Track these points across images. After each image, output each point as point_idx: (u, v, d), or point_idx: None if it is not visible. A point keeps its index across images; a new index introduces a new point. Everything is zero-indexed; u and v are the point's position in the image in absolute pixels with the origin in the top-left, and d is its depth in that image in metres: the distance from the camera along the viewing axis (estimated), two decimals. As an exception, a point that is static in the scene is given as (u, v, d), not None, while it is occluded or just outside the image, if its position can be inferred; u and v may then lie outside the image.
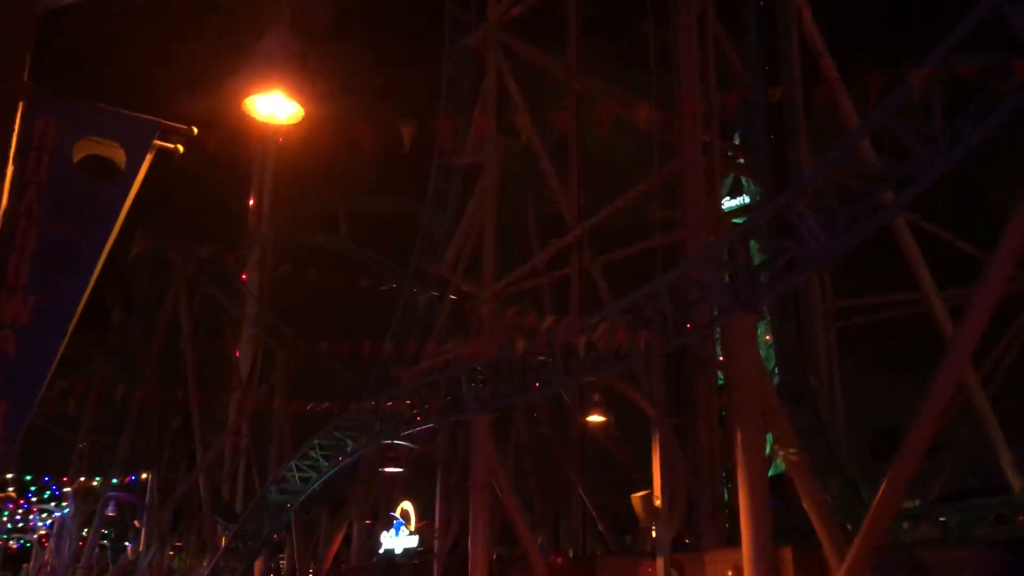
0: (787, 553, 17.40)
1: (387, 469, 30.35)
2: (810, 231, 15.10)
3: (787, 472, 16.56)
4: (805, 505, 16.51)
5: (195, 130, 5.67)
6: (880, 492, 14.86)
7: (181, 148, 5.75)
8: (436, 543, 23.24)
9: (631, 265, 36.85)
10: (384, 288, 52.63)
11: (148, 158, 5.56)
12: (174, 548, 51.79)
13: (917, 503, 25.82)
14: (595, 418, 17.41)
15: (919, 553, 17.79)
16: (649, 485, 31.05)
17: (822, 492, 16.75)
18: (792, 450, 16.11)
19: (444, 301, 38.42)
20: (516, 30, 35.19)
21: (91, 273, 5.38)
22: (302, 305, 53.91)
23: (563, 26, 32.80)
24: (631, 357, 17.61)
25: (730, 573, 17.73)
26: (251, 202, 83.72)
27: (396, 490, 33.39)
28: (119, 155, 5.43)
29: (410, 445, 26.49)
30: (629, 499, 36.76)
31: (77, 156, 5.34)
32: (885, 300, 33.52)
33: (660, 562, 16.77)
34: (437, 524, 23.45)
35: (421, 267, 38.56)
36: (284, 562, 45.41)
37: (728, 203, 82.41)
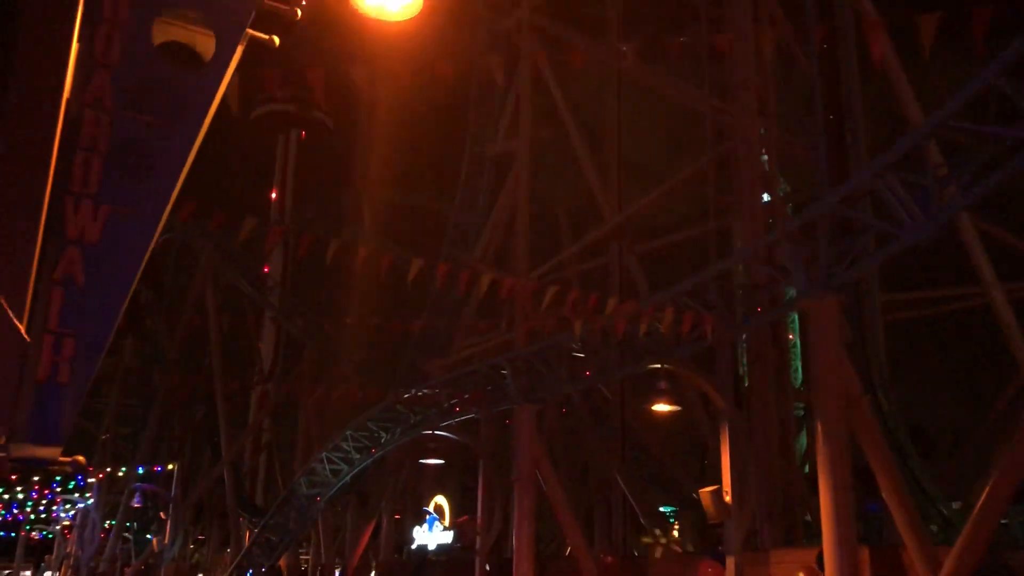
0: (864, 553, 16.10)
1: (427, 461, 29.20)
2: (901, 204, 13.80)
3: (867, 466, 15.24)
4: (889, 503, 15.21)
5: (299, 11, 4.46)
6: (984, 496, 13.59)
7: (277, 40, 4.57)
8: (478, 539, 22.04)
9: (665, 257, 35.66)
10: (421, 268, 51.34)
11: (239, 48, 4.38)
12: (196, 541, 50.88)
13: (957, 505, 24.47)
14: (662, 407, 16.16)
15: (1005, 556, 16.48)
16: (697, 480, 29.89)
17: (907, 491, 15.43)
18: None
19: (474, 293, 37.27)
20: (550, 14, 33.97)
21: (174, 180, 4.19)
22: (325, 297, 52.63)
23: (603, 6, 31.53)
24: (698, 344, 16.36)
25: (801, 574, 16.45)
26: (273, 195, 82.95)
27: (426, 484, 32.24)
28: (206, 44, 4.25)
29: (452, 436, 25.26)
30: (664, 496, 35.51)
31: (157, 38, 4.15)
32: (927, 295, 32.07)
33: (731, 562, 15.50)
34: (479, 519, 22.25)
35: (452, 258, 37.41)
36: (309, 558, 44.34)
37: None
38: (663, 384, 15.62)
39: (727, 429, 15.70)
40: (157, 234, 4.23)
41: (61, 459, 4.90)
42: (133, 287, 4.32)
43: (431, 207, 54.59)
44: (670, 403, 15.85)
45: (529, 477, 21.07)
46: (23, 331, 4.10)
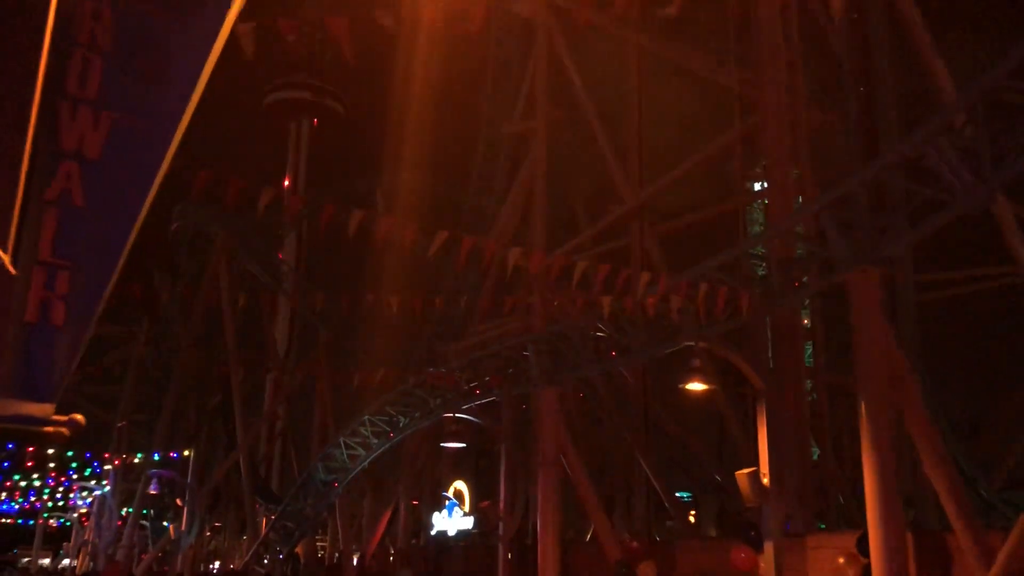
0: (908, 538, 15.33)
1: (448, 444, 28.58)
2: (952, 170, 12.98)
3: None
4: (937, 486, 14.43)
5: None
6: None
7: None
8: (500, 525, 21.42)
9: (685, 238, 34.81)
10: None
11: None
12: (212, 528, 50.51)
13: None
14: (696, 386, 15.42)
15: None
16: (717, 464, 29.20)
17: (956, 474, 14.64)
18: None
19: (493, 273, 36.62)
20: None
21: (191, 87, 3.42)
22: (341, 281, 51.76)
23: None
24: (733, 321, 15.59)
25: (842, 560, 15.69)
26: (286, 182, 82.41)
27: (445, 469, 31.63)
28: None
29: (474, 419, 24.59)
30: (683, 480, 34.74)
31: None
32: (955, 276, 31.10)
33: (770, 548, 14.77)
34: (502, 504, 21.63)
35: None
36: (327, 544, 43.91)
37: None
38: (697, 362, 14.87)
39: (764, 409, 14.96)
40: (171, 152, 3.50)
41: (55, 418, 4.17)
42: (143, 214, 3.60)
43: (445, 192, 54.04)
44: (704, 382, 15.08)
45: (553, 461, 20.39)
46: (7, 262, 3.38)
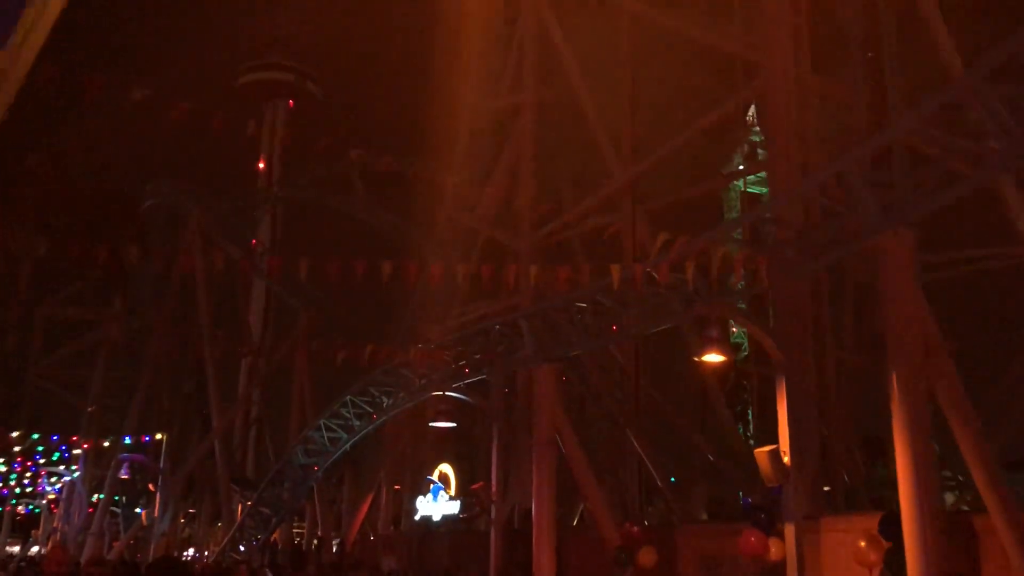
0: (934, 520, 14.20)
1: (437, 424, 27.21)
2: (997, 122, 11.76)
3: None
4: (971, 465, 13.30)
5: None
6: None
7: None
8: (492, 508, 20.14)
9: (674, 217, 33.58)
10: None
11: None
12: (187, 515, 48.81)
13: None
14: (713, 357, 14.16)
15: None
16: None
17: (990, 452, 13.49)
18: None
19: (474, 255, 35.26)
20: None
21: None
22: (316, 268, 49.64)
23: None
24: (752, 289, 14.35)
25: (863, 544, 14.55)
26: (261, 164, 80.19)
27: (429, 451, 30.24)
28: None
29: (463, 397, 23.23)
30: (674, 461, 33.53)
31: None
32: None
33: (791, 530, 13.57)
34: (493, 487, 20.33)
35: (454, 220, 35.32)
36: (304, 531, 42.38)
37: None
38: (714, 332, 13.59)
39: (784, 383, 13.74)
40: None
41: None
42: None
43: (424, 175, 52.38)
44: (721, 352, 13.81)
45: (549, 441, 19.08)
46: None
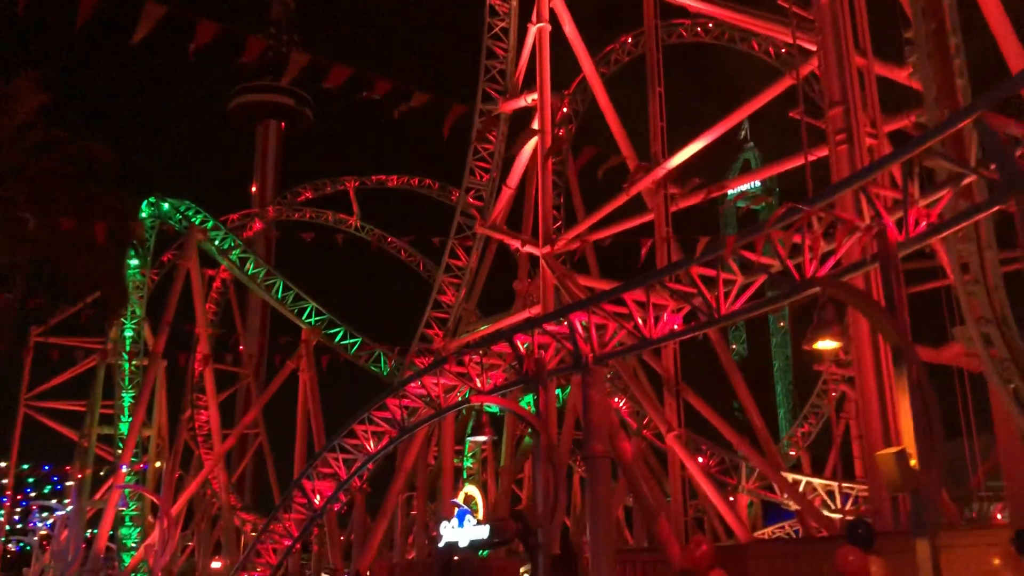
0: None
1: (475, 439, 24.82)
2: None
3: None
4: None
5: None
6: None
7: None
8: (540, 531, 17.69)
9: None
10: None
11: None
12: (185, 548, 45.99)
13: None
14: (827, 344, 11.94)
15: None
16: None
17: None
18: None
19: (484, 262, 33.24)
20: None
21: None
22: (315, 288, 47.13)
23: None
24: (857, 268, 12.18)
25: (997, 561, 12.32)
26: (254, 189, 77.94)
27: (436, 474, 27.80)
28: None
29: (497, 408, 20.81)
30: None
31: None
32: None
33: (925, 547, 11.28)
34: (540, 506, 17.91)
35: (466, 227, 33.24)
36: (310, 563, 39.66)
37: (738, 188, 77.77)
38: (829, 314, 11.39)
39: (905, 373, 11.56)
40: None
41: None
42: None
43: (420, 193, 50.47)
44: (838, 338, 11.58)
45: (604, 453, 16.75)
46: None
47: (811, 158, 18.68)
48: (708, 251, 13.38)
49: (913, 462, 11.32)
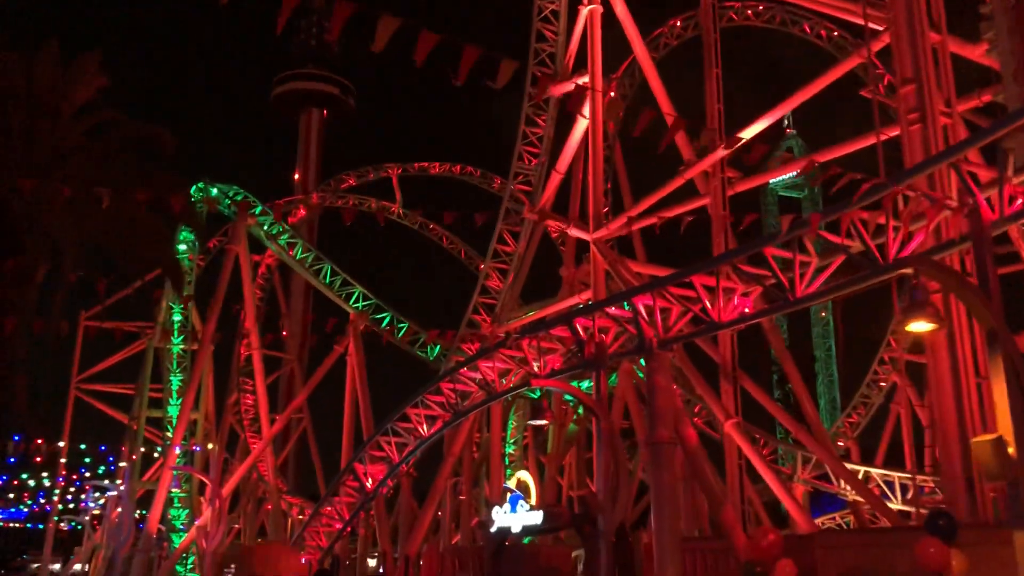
0: None
1: (535, 422, 24.63)
2: None
3: None
4: None
5: None
6: None
7: None
8: (601, 519, 17.41)
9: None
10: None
11: None
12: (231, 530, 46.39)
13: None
14: (921, 326, 11.43)
15: None
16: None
17: None
18: None
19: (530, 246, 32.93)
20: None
21: None
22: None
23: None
24: (949, 246, 11.65)
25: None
26: (296, 176, 78.33)
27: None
28: None
29: (562, 390, 20.51)
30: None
31: None
32: None
33: (1022, 538, 10.78)
34: (600, 492, 17.62)
35: (514, 212, 32.91)
36: (357, 545, 39.69)
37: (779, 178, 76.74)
38: (921, 295, 10.88)
39: (1001, 357, 11.02)
40: None
41: None
42: None
43: (461, 180, 50.29)
44: (933, 319, 11.05)
45: (670, 439, 16.38)
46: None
47: (882, 138, 18.01)
48: (790, 231, 12.90)
49: (1011, 450, 10.82)
